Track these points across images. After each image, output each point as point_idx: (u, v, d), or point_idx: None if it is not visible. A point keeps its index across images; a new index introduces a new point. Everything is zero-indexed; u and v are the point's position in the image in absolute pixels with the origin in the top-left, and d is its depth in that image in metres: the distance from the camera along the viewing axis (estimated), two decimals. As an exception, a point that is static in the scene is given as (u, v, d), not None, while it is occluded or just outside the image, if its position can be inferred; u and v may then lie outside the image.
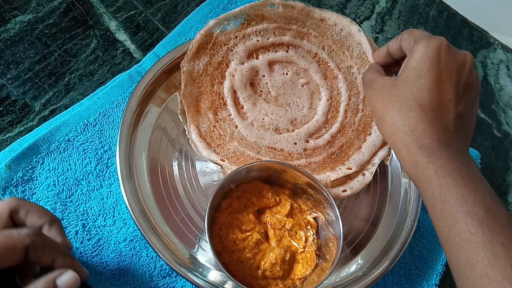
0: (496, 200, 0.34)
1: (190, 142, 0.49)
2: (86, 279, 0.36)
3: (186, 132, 0.50)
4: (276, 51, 0.54)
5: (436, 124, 0.36)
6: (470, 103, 0.40)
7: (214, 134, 0.50)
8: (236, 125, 0.50)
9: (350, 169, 0.49)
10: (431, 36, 0.39)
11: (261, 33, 0.53)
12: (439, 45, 0.37)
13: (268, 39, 0.53)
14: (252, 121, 0.51)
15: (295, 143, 0.50)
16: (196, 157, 0.50)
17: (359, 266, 0.48)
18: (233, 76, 0.51)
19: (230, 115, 0.51)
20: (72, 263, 0.34)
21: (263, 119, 0.51)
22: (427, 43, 0.37)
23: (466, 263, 0.32)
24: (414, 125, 0.36)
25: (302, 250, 0.44)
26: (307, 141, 0.51)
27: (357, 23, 0.68)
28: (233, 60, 0.51)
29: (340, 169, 0.49)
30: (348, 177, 0.50)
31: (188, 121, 0.49)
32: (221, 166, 0.48)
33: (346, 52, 0.55)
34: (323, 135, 0.51)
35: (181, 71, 0.50)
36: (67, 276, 0.33)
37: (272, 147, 0.50)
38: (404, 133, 0.37)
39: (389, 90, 0.39)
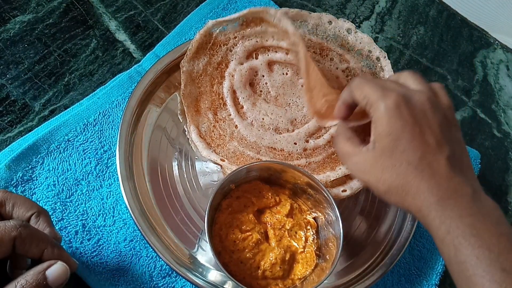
0: None
1: (190, 142, 0.49)
2: (75, 270, 0.36)
3: (186, 132, 0.50)
4: (276, 51, 0.54)
5: (435, 177, 0.35)
6: (453, 140, 0.38)
7: (214, 134, 0.50)
8: (236, 125, 0.50)
9: (350, 170, 0.49)
10: (383, 94, 0.37)
11: (260, 35, 0.53)
12: (396, 102, 0.36)
13: (267, 40, 0.53)
14: (252, 121, 0.51)
15: (295, 143, 0.50)
16: (196, 157, 0.50)
17: (359, 266, 0.48)
18: (232, 76, 0.51)
19: (230, 115, 0.51)
20: (61, 254, 0.34)
21: (263, 119, 0.51)
22: (385, 105, 0.36)
23: None
24: (417, 187, 0.35)
25: (302, 250, 0.44)
26: (307, 141, 0.51)
27: (357, 23, 0.68)
28: (232, 60, 0.51)
29: (340, 169, 0.49)
30: (348, 177, 0.50)
31: (188, 121, 0.49)
32: (221, 166, 0.48)
33: (346, 52, 0.55)
34: (323, 135, 0.51)
35: (181, 71, 0.50)
36: (56, 267, 0.32)
37: (272, 147, 0.50)
38: (412, 198, 0.36)
39: (375, 164, 0.37)
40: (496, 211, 0.35)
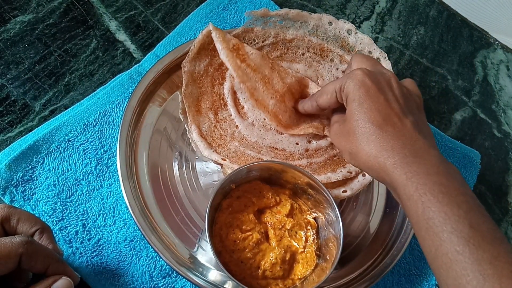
0: (481, 212, 0.33)
1: (191, 142, 0.49)
2: (77, 283, 0.37)
3: (187, 132, 0.50)
4: (276, 50, 0.54)
5: (400, 138, 0.36)
6: (417, 113, 0.40)
7: (215, 134, 0.50)
8: (237, 125, 0.50)
9: (351, 173, 0.49)
10: (349, 74, 0.40)
11: (261, 38, 0.53)
12: (360, 72, 0.39)
13: (265, 41, 0.54)
14: (253, 121, 0.51)
15: (297, 143, 0.50)
16: (196, 157, 0.50)
17: (359, 266, 0.48)
18: (233, 77, 0.51)
19: (231, 115, 0.51)
20: (64, 269, 0.35)
21: (264, 119, 0.51)
22: (350, 77, 0.39)
23: (455, 284, 0.31)
24: (380, 145, 0.36)
25: (302, 250, 0.44)
26: (309, 142, 0.51)
27: (357, 23, 0.68)
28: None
29: (341, 171, 0.49)
30: (349, 178, 0.50)
31: (189, 120, 0.50)
32: (221, 165, 0.48)
33: (346, 52, 0.55)
34: (326, 137, 0.51)
35: (182, 71, 0.50)
36: (61, 282, 0.34)
37: (273, 147, 0.50)
38: (375, 156, 0.36)
39: (344, 127, 0.40)
40: (459, 174, 0.36)
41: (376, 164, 0.36)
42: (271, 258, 0.42)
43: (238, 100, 0.51)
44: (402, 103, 0.38)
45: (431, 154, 0.36)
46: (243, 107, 0.51)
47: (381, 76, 0.40)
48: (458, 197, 0.33)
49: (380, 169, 0.36)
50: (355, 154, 0.38)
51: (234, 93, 0.52)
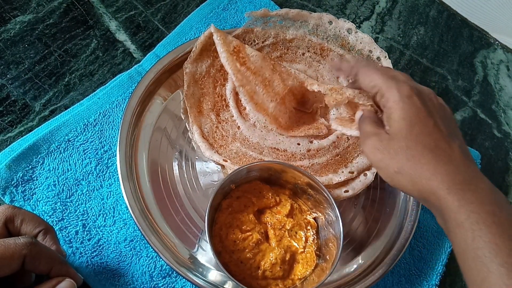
0: None
1: (193, 142, 0.49)
2: (80, 284, 0.37)
3: (189, 133, 0.50)
4: (277, 50, 0.54)
5: (453, 163, 0.35)
6: (459, 135, 0.39)
7: (217, 135, 0.50)
8: (239, 126, 0.50)
9: (352, 173, 0.49)
10: (397, 84, 0.38)
11: (261, 38, 0.53)
12: (409, 92, 0.37)
13: (265, 41, 0.54)
14: (255, 122, 0.51)
15: (299, 144, 0.50)
16: (197, 157, 0.50)
17: (359, 266, 0.48)
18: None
19: (232, 116, 0.51)
20: (68, 270, 0.35)
21: (266, 120, 0.51)
22: (399, 95, 0.37)
23: None
24: (435, 169, 0.35)
25: (302, 250, 0.44)
26: (311, 142, 0.51)
27: (357, 23, 0.68)
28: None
29: (342, 172, 0.49)
30: (350, 178, 0.50)
31: (190, 121, 0.50)
32: (222, 166, 0.48)
33: (347, 52, 0.55)
34: (328, 136, 0.51)
35: (184, 72, 0.50)
36: (65, 284, 0.34)
37: (275, 148, 0.50)
38: (427, 179, 0.35)
39: (388, 145, 0.38)
40: (508, 203, 0.35)
41: (427, 187, 0.35)
42: (271, 258, 0.42)
43: (240, 101, 0.51)
44: (446, 126, 0.38)
45: (484, 182, 0.35)
46: (245, 108, 0.51)
47: (426, 96, 0.39)
48: (510, 230, 0.32)
49: (430, 193, 0.35)
50: (401, 174, 0.37)
51: (236, 94, 0.52)
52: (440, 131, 0.37)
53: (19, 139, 0.47)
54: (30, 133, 0.48)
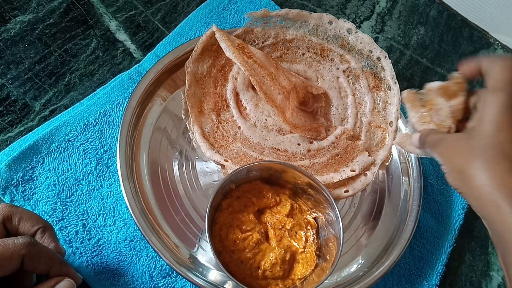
0: None
1: (193, 142, 0.49)
2: (80, 284, 0.37)
3: (189, 133, 0.50)
4: (277, 50, 0.54)
5: None
6: None
7: (217, 135, 0.50)
8: (239, 126, 0.50)
9: (354, 171, 0.49)
10: (505, 86, 0.35)
11: (261, 38, 0.54)
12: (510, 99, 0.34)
13: (266, 42, 0.54)
14: (255, 122, 0.51)
15: (299, 144, 0.50)
16: (197, 157, 0.50)
17: (359, 266, 0.48)
18: (235, 79, 0.52)
19: (233, 116, 0.51)
20: (67, 270, 0.35)
21: (266, 120, 0.51)
22: (502, 97, 0.34)
23: None
24: (504, 179, 0.32)
25: (302, 250, 0.44)
26: (311, 142, 0.51)
27: (357, 23, 0.68)
28: (235, 63, 0.51)
29: (343, 170, 0.49)
30: (350, 178, 0.50)
31: (191, 121, 0.50)
32: (223, 166, 0.48)
33: (347, 52, 0.55)
34: (327, 137, 0.51)
35: (186, 72, 0.50)
36: (63, 284, 0.34)
37: (275, 148, 0.50)
38: (492, 187, 0.32)
39: (467, 143, 0.35)
40: None
41: (489, 197, 0.33)
42: (271, 258, 0.42)
43: (241, 101, 0.52)
44: None
45: None
46: (245, 108, 0.51)
47: None
48: None
49: (491, 204, 0.32)
50: (468, 176, 0.34)
51: (236, 95, 0.52)
52: None
53: (19, 139, 0.47)
54: (30, 133, 0.48)
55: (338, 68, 0.55)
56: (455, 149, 0.36)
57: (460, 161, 0.35)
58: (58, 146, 0.47)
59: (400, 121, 0.54)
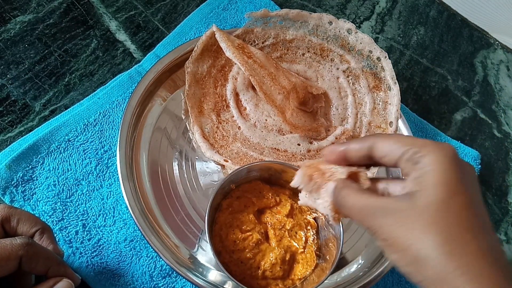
0: None
1: (193, 142, 0.49)
2: (78, 284, 0.37)
3: (189, 133, 0.50)
4: (277, 50, 0.54)
5: (492, 255, 0.26)
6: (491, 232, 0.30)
7: (217, 135, 0.50)
8: (239, 126, 0.50)
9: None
10: (436, 143, 0.30)
11: (261, 39, 0.54)
12: (453, 153, 0.29)
13: (265, 42, 0.54)
14: (255, 122, 0.51)
15: (299, 144, 0.50)
16: (197, 157, 0.50)
17: (359, 266, 0.48)
18: (235, 79, 0.52)
19: (233, 116, 0.51)
20: (65, 271, 0.35)
21: (266, 120, 0.51)
22: (442, 154, 0.28)
23: None
24: (470, 264, 0.26)
25: (302, 250, 0.44)
26: (311, 142, 0.51)
27: (357, 23, 0.68)
28: (235, 63, 0.51)
29: (344, 169, 0.49)
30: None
31: (191, 121, 0.50)
32: (223, 166, 0.48)
33: (347, 52, 0.55)
34: (327, 137, 0.51)
35: (186, 72, 0.50)
36: (62, 284, 0.34)
37: (275, 148, 0.50)
38: (458, 276, 0.25)
39: (416, 218, 0.27)
40: None
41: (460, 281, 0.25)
42: (271, 258, 0.42)
43: (240, 101, 0.52)
44: (485, 215, 0.29)
45: None
46: (245, 109, 0.51)
47: (467, 165, 0.30)
48: None
49: (445, 280, 0.26)
50: (426, 264, 0.27)
51: (236, 95, 0.52)
52: (482, 214, 0.28)
53: (19, 139, 0.47)
54: (30, 133, 0.48)
55: (338, 68, 0.55)
56: (404, 225, 0.28)
57: (414, 244, 0.27)
58: (58, 146, 0.47)
59: (400, 121, 0.54)
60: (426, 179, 0.28)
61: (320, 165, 0.34)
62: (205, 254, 0.45)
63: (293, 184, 0.34)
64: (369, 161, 0.32)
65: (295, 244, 0.44)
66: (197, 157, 0.50)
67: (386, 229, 0.28)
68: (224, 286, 0.44)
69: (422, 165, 0.29)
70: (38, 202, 0.44)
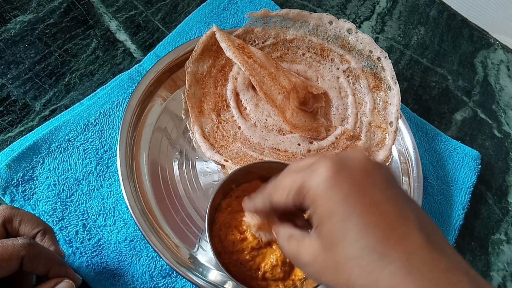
0: None
1: (194, 142, 0.49)
2: (79, 285, 0.37)
3: (189, 133, 0.50)
4: (277, 50, 0.54)
5: (415, 269, 0.25)
6: (410, 200, 0.29)
7: (218, 135, 0.50)
8: (239, 126, 0.50)
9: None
10: (310, 170, 0.29)
11: (261, 38, 0.53)
12: (329, 170, 0.28)
13: (266, 42, 0.54)
14: (255, 122, 0.51)
15: (299, 144, 0.50)
16: (197, 157, 0.50)
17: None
18: (236, 79, 0.52)
19: (233, 116, 0.51)
20: (66, 271, 0.35)
21: (266, 120, 0.51)
22: (316, 180, 0.28)
23: None
24: (392, 286, 0.24)
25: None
26: (311, 142, 0.51)
27: (357, 23, 0.68)
28: (236, 63, 0.51)
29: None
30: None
31: (191, 121, 0.50)
32: (223, 166, 0.48)
33: (347, 52, 0.55)
34: (327, 137, 0.51)
35: (186, 72, 0.50)
36: (63, 285, 0.34)
37: (275, 148, 0.50)
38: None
39: (326, 259, 0.27)
40: None
41: None
42: (272, 260, 0.42)
43: (241, 101, 0.52)
44: (392, 196, 0.27)
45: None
46: (245, 108, 0.51)
47: (353, 163, 0.28)
48: None
49: None
50: None
51: (236, 95, 0.52)
52: (384, 214, 0.26)
53: (19, 139, 0.47)
54: (30, 133, 0.48)
55: (338, 68, 0.55)
56: (320, 264, 0.28)
57: (333, 277, 0.27)
58: (58, 146, 0.47)
59: (400, 121, 0.53)
60: (317, 212, 0.28)
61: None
62: (205, 254, 0.45)
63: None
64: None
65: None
66: (197, 157, 0.50)
67: (307, 273, 0.31)
68: (224, 286, 0.44)
69: (310, 200, 0.28)
70: (38, 202, 0.44)
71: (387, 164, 0.53)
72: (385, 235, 0.26)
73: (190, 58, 0.51)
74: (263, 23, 0.54)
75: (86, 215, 0.45)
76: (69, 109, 0.50)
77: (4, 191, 0.44)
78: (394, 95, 0.53)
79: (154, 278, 0.44)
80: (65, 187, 0.46)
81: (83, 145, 0.48)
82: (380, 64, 0.53)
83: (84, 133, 0.48)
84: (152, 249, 0.44)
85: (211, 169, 0.50)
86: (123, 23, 0.58)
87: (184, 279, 0.44)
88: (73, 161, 0.47)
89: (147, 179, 0.47)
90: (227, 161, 0.48)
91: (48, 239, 0.36)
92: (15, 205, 0.43)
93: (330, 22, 0.54)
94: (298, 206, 0.30)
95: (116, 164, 0.46)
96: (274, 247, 0.43)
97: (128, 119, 0.48)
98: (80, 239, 0.44)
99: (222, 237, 0.43)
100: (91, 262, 0.43)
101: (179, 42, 0.56)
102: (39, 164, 0.46)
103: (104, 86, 0.52)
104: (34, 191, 0.45)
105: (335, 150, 0.51)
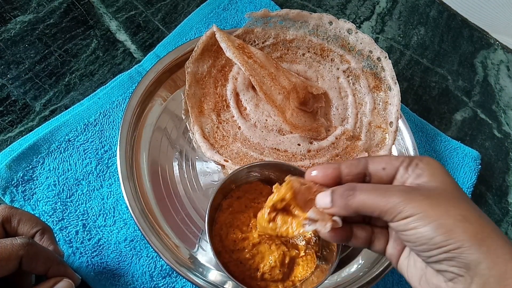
0: None
1: (194, 142, 0.49)
2: (78, 284, 0.37)
3: (189, 133, 0.50)
4: (277, 50, 0.54)
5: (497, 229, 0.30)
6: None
7: (218, 135, 0.50)
8: (239, 126, 0.50)
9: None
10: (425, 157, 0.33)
11: (261, 39, 0.53)
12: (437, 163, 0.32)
13: (266, 42, 0.54)
14: (255, 122, 0.51)
15: (299, 144, 0.50)
16: (197, 157, 0.50)
17: (359, 266, 0.48)
18: (236, 79, 0.52)
19: (233, 116, 0.51)
20: (65, 271, 0.35)
21: (266, 120, 0.51)
22: (432, 159, 0.32)
23: None
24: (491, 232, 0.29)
25: (303, 254, 0.44)
26: (311, 142, 0.51)
27: (357, 23, 0.68)
28: (236, 63, 0.51)
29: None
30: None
31: (191, 121, 0.50)
32: (223, 166, 0.48)
33: (347, 52, 0.55)
34: (327, 137, 0.51)
35: (186, 72, 0.50)
36: (62, 284, 0.34)
37: (275, 148, 0.50)
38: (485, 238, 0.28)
39: (436, 196, 0.30)
40: None
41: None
42: (270, 261, 0.42)
43: (241, 101, 0.52)
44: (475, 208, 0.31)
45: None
46: (245, 109, 0.51)
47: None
48: None
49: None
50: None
51: (236, 95, 0.52)
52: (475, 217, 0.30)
53: (19, 139, 0.47)
54: (31, 133, 0.48)
55: (338, 68, 0.55)
56: (427, 197, 0.29)
57: (442, 212, 0.29)
58: (58, 146, 0.47)
59: (400, 121, 0.54)
60: (432, 171, 0.31)
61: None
62: (205, 254, 0.45)
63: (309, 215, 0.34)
64: (362, 180, 0.34)
65: (296, 242, 0.44)
66: (197, 157, 0.50)
67: (416, 203, 0.29)
68: (224, 286, 0.44)
69: (424, 164, 0.32)
70: (38, 202, 0.44)
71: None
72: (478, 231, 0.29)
73: (190, 58, 0.51)
74: (263, 23, 0.54)
75: (86, 215, 0.45)
76: (69, 109, 0.50)
77: (4, 191, 0.44)
78: (394, 95, 0.53)
79: (154, 278, 0.44)
80: (65, 187, 0.46)
81: (83, 145, 0.48)
82: (380, 64, 0.53)
83: (84, 133, 0.48)
84: (152, 249, 0.44)
85: (211, 169, 0.50)
86: (123, 23, 0.58)
87: (184, 279, 0.44)
88: (73, 161, 0.47)
89: (147, 179, 0.47)
90: (227, 161, 0.48)
91: (47, 239, 0.36)
92: (15, 205, 0.43)
93: (330, 22, 0.54)
94: (394, 172, 0.32)
95: (116, 164, 0.46)
96: (272, 248, 0.43)
97: (128, 119, 0.48)
98: (80, 239, 0.44)
99: (223, 236, 0.43)
100: (91, 262, 0.43)
101: (179, 42, 0.56)
102: (39, 164, 0.46)
103: (104, 86, 0.52)
104: (34, 191, 0.45)
105: (335, 150, 0.51)
